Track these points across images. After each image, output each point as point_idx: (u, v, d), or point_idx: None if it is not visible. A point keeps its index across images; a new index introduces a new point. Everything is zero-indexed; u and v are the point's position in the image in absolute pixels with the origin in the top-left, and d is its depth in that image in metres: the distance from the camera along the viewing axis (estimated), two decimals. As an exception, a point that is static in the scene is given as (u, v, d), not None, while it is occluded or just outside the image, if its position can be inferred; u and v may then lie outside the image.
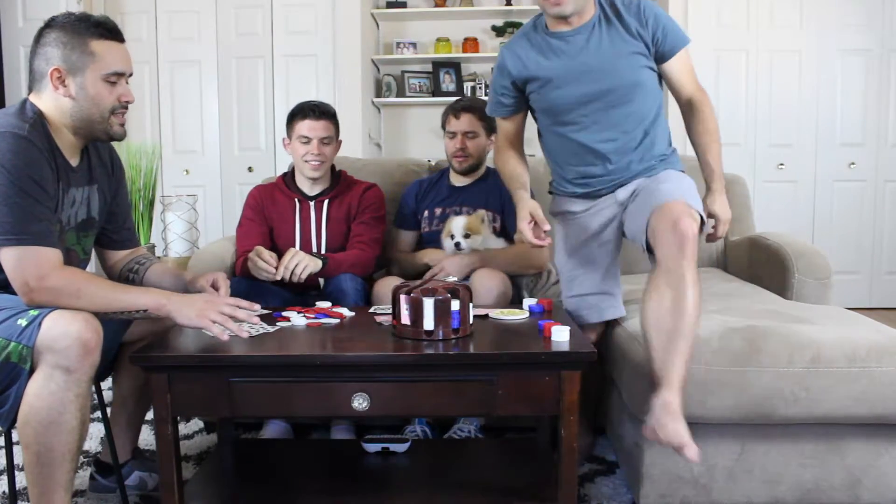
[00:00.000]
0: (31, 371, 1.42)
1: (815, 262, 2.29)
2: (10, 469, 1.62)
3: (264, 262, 2.11)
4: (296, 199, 2.42)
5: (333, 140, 2.40)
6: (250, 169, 4.46)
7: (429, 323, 1.58)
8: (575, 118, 1.89)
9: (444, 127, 2.54)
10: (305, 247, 2.37)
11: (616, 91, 1.84)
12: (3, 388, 1.44)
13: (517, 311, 1.88)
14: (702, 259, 1.73)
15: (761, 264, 2.50)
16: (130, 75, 1.66)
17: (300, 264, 2.12)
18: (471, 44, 4.70)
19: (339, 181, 2.47)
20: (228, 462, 1.95)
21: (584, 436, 2.09)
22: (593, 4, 1.87)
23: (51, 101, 1.58)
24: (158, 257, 3.04)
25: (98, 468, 1.92)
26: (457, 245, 2.33)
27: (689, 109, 1.92)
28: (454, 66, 4.72)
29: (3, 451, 1.64)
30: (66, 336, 1.39)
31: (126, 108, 1.65)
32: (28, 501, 1.50)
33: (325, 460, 1.92)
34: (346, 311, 1.88)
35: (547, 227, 1.82)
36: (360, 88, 4.37)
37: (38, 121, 1.54)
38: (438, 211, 2.53)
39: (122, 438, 1.89)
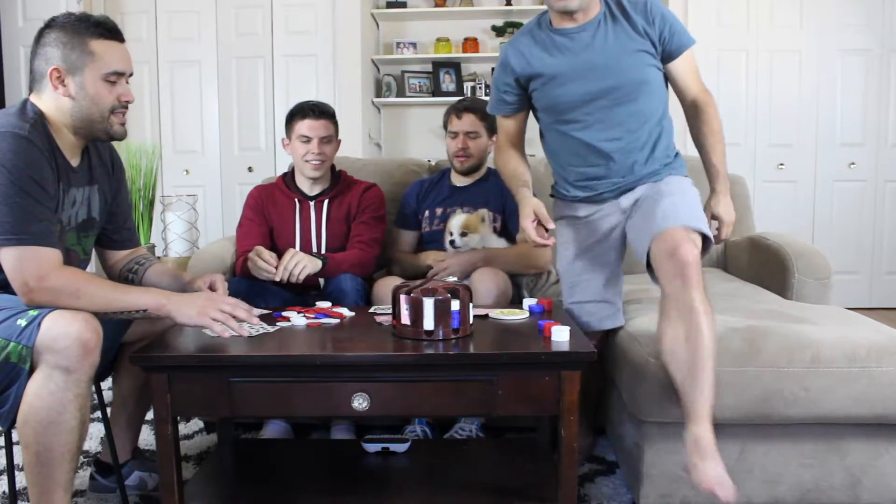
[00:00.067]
0: (31, 371, 1.42)
1: (815, 262, 2.29)
2: (10, 469, 1.62)
3: (264, 262, 2.12)
4: (296, 199, 2.42)
5: (333, 139, 2.40)
6: (250, 169, 4.46)
7: (429, 323, 1.58)
8: (578, 116, 1.86)
9: (445, 127, 2.54)
10: (305, 247, 2.37)
11: (621, 89, 1.82)
12: (2, 388, 1.44)
13: (517, 311, 1.88)
14: (702, 259, 1.72)
15: (761, 264, 2.50)
16: (130, 75, 1.66)
17: (299, 265, 2.12)
18: (471, 44, 4.71)
19: (338, 181, 2.47)
20: (228, 462, 1.95)
21: (584, 436, 2.09)
22: (599, 1, 1.84)
23: (51, 101, 1.58)
24: (158, 257, 3.04)
25: (98, 468, 1.92)
26: (451, 243, 2.33)
27: (693, 110, 1.90)
28: (454, 66, 4.72)
29: (4, 451, 1.64)
30: (66, 336, 1.39)
31: (126, 107, 1.65)
32: (28, 501, 1.50)
33: (325, 460, 1.92)
34: (346, 311, 1.88)
35: (551, 225, 1.80)
36: (360, 88, 4.37)
37: (39, 121, 1.54)
38: (439, 211, 2.53)
39: (122, 438, 1.88)
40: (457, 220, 2.35)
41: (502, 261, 2.31)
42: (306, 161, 2.36)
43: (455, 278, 2.29)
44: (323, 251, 2.38)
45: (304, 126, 2.35)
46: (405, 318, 1.61)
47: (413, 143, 4.91)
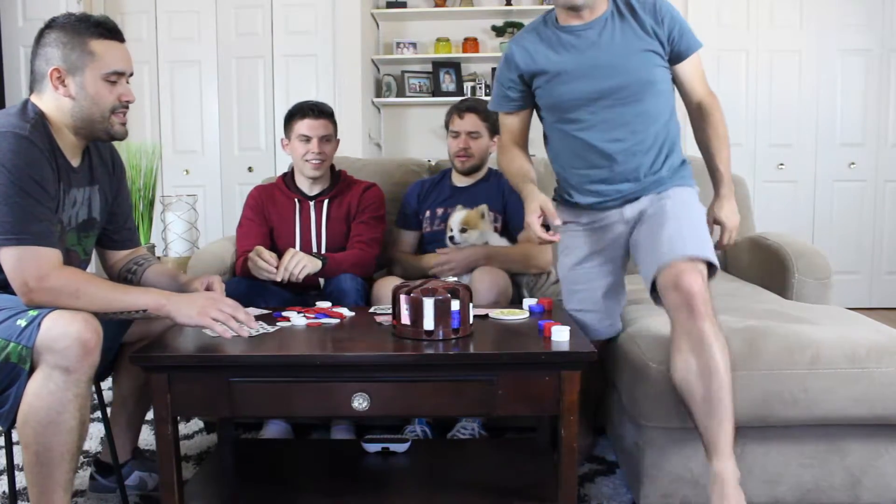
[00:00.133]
0: (31, 371, 1.42)
1: (815, 262, 2.29)
2: (10, 469, 1.62)
3: (264, 262, 2.11)
4: (296, 199, 2.42)
5: (333, 138, 2.40)
6: (250, 169, 4.46)
7: (429, 323, 1.58)
8: (582, 115, 1.82)
9: (447, 126, 2.55)
10: (305, 247, 2.37)
11: (627, 88, 1.77)
12: (2, 388, 1.44)
13: (517, 311, 1.88)
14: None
15: (761, 264, 2.50)
16: (131, 75, 1.66)
17: (299, 264, 2.12)
18: (471, 44, 4.70)
19: (338, 181, 2.47)
20: (228, 462, 1.95)
21: (584, 436, 2.08)
22: None
23: (51, 102, 1.58)
24: (158, 257, 3.04)
25: (98, 468, 1.92)
26: (451, 238, 2.33)
27: (699, 113, 1.87)
28: (454, 66, 4.72)
29: (4, 451, 1.64)
30: (66, 336, 1.39)
31: (127, 107, 1.65)
32: (28, 501, 1.50)
33: (325, 460, 1.92)
34: (346, 311, 1.88)
35: (558, 221, 1.74)
36: (360, 88, 4.37)
37: (40, 121, 1.54)
38: (440, 211, 2.53)
39: (122, 438, 1.88)
40: (457, 216, 2.35)
41: (503, 258, 2.32)
42: (306, 161, 2.36)
43: (455, 278, 2.29)
44: (323, 251, 2.38)
45: (304, 126, 2.35)
46: (405, 318, 1.61)
47: (413, 143, 4.90)
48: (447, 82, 4.71)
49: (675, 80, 1.87)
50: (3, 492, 1.92)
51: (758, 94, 4.35)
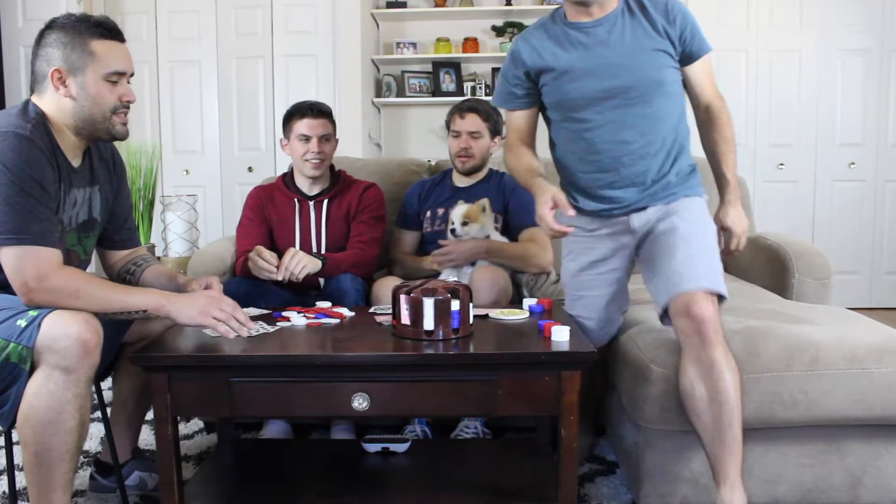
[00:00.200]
0: (32, 371, 1.42)
1: (815, 262, 2.29)
2: (10, 469, 1.62)
3: (265, 262, 2.12)
4: (295, 199, 2.42)
5: (332, 138, 2.40)
6: (250, 169, 4.46)
7: (429, 323, 1.58)
8: (588, 115, 1.77)
9: (448, 126, 2.55)
10: (305, 247, 2.37)
11: (635, 88, 1.73)
12: (2, 388, 1.44)
13: (517, 311, 1.88)
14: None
15: (761, 264, 2.50)
16: (132, 75, 1.66)
17: (299, 264, 2.12)
18: (471, 44, 4.70)
19: (338, 181, 2.47)
20: (228, 462, 1.95)
21: (584, 436, 2.08)
22: None
23: (52, 102, 1.58)
24: (158, 258, 3.04)
25: (98, 468, 1.92)
26: (452, 231, 2.34)
27: (706, 116, 1.83)
28: (454, 66, 4.72)
29: (4, 451, 1.64)
30: (66, 336, 1.39)
31: (128, 107, 1.65)
32: (28, 501, 1.50)
33: (325, 460, 1.92)
34: (346, 311, 1.88)
35: (571, 212, 1.68)
36: (360, 88, 4.37)
37: (41, 121, 1.55)
38: (441, 211, 2.53)
39: (122, 438, 1.88)
40: (458, 210, 2.36)
41: (504, 254, 2.32)
42: (306, 160, 2.36)
43: (455, 270, 2.29)
44: (323, 251, 2.38)
45: (303, 125, 2.35)
46: (405, 318, 1.61)
47: (413, 143, 4.90)
48: (447, 82, 4.71)
49: (685, 82, 1.83)
50: (3, 492, 1.92)
51: (758, 94, 4.35)
